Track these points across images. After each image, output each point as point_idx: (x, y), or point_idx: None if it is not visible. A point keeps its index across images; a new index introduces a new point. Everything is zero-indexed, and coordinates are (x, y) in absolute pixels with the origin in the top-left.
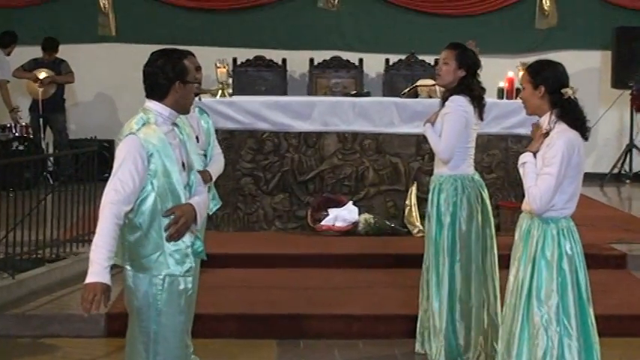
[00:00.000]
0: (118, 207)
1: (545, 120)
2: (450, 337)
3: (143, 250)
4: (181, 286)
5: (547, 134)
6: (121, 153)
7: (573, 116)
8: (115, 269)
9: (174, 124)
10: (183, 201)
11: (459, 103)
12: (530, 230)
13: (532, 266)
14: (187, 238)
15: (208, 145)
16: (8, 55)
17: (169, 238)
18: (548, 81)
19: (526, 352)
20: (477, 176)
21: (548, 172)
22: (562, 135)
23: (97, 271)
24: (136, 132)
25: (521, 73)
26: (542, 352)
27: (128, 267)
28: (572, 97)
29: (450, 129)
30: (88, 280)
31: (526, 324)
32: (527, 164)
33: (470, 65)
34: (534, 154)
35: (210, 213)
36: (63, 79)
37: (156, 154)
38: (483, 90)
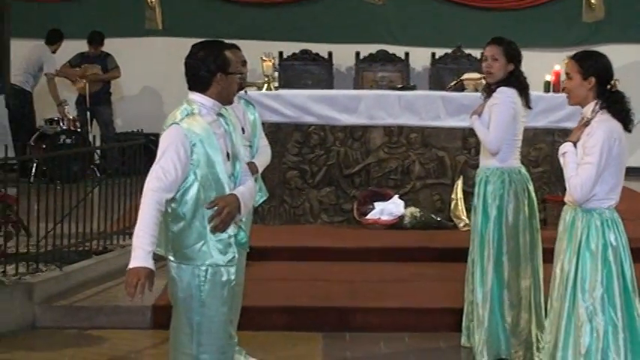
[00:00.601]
0: (160, 194)
1: (588, 110)
2: (494, 329)
3: (187, 239)
4: (224, 277)
5: (588, 123)
6: (164, 142)
7: (620, 107)
8: (160, 262)
9: (220, 115)
10: (227, 191)
11: (508, 94)
12: (575, 222)
13: (577, 257)
14: (231, 229)
15: (254, 136)
16: (54, 52)
17: (214, 230)
18: (600, 72)
19: (572, 343)
20: (523, 170)
21: (588, 162)
22: (602, 124)
23: (140, 256)
24: (180, 122)
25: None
26: (587, 344)
27: (171, 258)
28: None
29: (499, 120)
30: (132, 265)
31: (572, 315)
32: (567, 154)
33: (517, 58)
34: (574, 143)
35: (256, 205)
36: (109, 76)
37: (199, 143)
38: (525, 79)
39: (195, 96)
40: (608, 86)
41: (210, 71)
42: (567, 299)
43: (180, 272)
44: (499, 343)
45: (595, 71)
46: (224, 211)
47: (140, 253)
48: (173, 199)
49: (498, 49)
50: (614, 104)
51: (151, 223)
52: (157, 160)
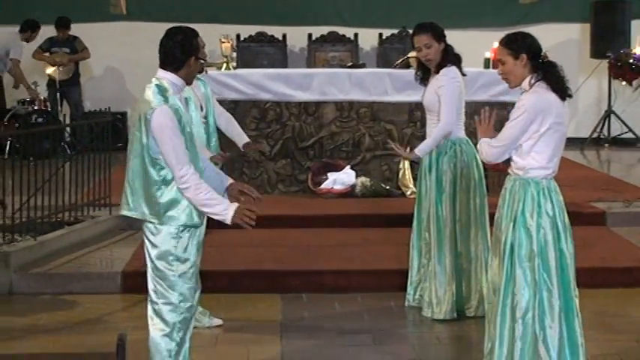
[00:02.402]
0: (194, 174)
1: (525, 83)
2: (456, 293)
3: (171, 203)
4: (196, 233)
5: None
6: (164, 128)
7: (555, 76)
8: (128, 231)
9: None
10: (200, 157)
11: (452, 75)
12: (512, 190)
13: (513, 225)
14: None
15: (209, 113)
16: (28, 40)
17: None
18: (529, 48)
19: (510, 308)
20: (469, 140)
21: (508, 125)
22: (532, 95)
23: (226, 206)
24: (165, 102)
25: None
26: (524, 309)
27: (154, 220)
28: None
29: (449, 102)
30: (229, 213)
31: (509, 281)
32: (482, 141)
33: (443, 35)
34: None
35: None
36: (79, 56)
37: (182, 118)
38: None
39: (167, 74)
40: (540, 59)
41: (186, 54)
42: (505, 266)
43: (157, 231)
44: (454, 304)
45: (524, 48)
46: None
47: (222, 205)
48: (162, 168)
49: (427, 35)
50: (549, 74)
51: (211, 191)
52: (169, 148)
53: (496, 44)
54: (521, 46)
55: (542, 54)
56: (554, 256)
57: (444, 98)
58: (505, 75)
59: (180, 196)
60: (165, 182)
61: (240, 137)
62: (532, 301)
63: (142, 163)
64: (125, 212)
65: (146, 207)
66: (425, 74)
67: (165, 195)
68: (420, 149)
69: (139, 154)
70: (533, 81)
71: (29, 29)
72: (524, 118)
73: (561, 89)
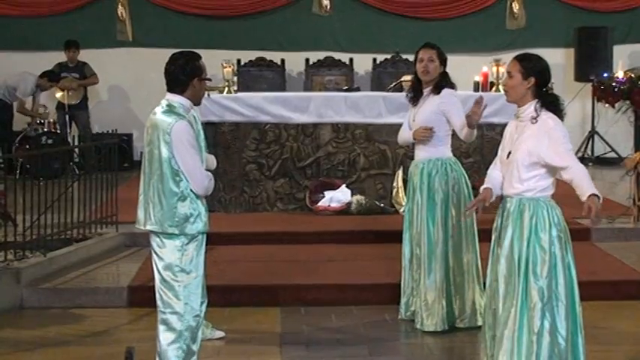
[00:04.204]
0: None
1: (529, 108)
2: (445, 307)
3: (189, 214)
4: (201, 244)
5: (535, 121)
6: (183, 141)
7: (557, 108)
8: (133, 248)
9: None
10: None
11: (453, 94)
12: (522, 210)
13: (527, 244)
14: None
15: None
16: (40, 89)
17: None
18: (541, 74)
19: (526, 324)
20: (457, 160)
21: (569, 147)
22: (555, 119)
23: None
24: (183, 118)
25: (495, 69)
26: (539, 324)
27: (171, 230)
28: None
29: (459, 108)
30: None
31: (525, 298)
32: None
33: (446, 61)
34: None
35: None
36: (88, 82)
37: (196, 132)
38: None
39: (174, 97)
40: (545, 88)
41: (188, 76)
42: (520, 284)
43: (163, 244)
44: (447, 317)
45: (535, 72)
46: None
47: None
48: (181, 179)
49: (434, 52)
50: (551, 105)
51: None
52: (186, 160)
53: (485, 68)
54: (533, 68)
55: (549, 85)
56: (562, 271)
57: (455, 112)
58: (508, 88)
59: (197, 206)
60: (185, 194)
61: None
62: (546, 315)
63: (163, 177)
64: (149, 227)
65: (168, 219)
66: (416, 94)
67: (185, 206)
68: None
69: (158, 169)
70: (538, 106)
71: (47, 78)
72: (567, 136)
73: (561, 120)
